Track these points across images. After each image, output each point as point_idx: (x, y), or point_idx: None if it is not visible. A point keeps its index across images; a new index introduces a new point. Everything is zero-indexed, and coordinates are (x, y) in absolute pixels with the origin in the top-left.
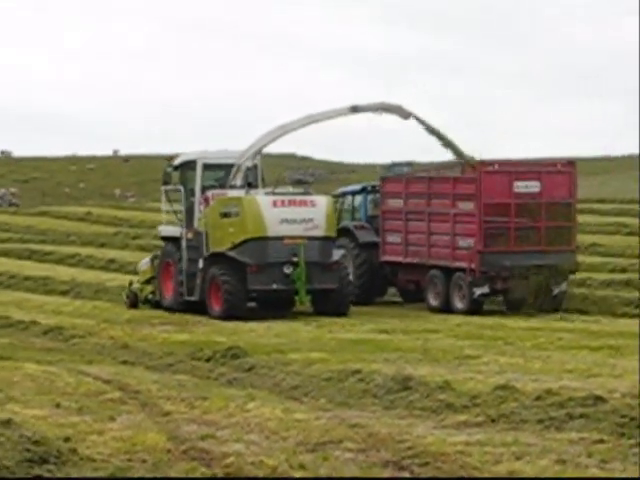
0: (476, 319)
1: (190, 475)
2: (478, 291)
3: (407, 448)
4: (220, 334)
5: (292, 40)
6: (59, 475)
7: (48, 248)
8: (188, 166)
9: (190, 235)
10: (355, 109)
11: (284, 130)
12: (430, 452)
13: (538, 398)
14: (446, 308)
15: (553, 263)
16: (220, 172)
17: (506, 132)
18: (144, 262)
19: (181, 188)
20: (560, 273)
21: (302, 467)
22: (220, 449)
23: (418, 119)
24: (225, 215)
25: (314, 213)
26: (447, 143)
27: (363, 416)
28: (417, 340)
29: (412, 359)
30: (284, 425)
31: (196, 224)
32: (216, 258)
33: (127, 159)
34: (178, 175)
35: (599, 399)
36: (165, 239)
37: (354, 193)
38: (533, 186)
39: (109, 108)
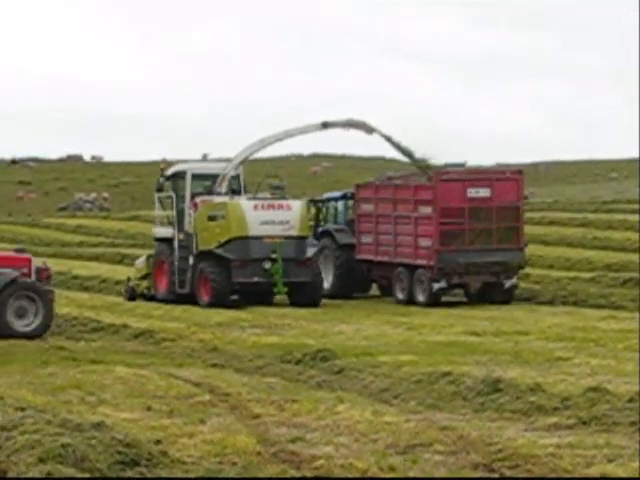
0: (568, 321)
1: (280, 477)
2: (436, 285)
3: (497, 451)
4: (309, 337)
5: (389, 40)
6: (150, 477)
7: (138, 252)
8: (179, 176)
9: (181, 236)
10: (325, 125)
11: (263, 144)
12: (521, 455)
13: (630, 400)
14: (410, 301)
15: (503, 260)
16: (207, 181)
17: (604, 130)
18: (140, 260)
19: (173, 195)
20: (510, 269)
21: (392, 469)
22: (310, 452)
23: (381, 134)
24: (212, 218)
25: (290, 216)
26: (407, 154)
27: (453, 419)
28: (508, 342)
29: (502, 361)
30: (374, 427)
31: (186, 226)
32: (204, 255)
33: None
34: (170, 184)
35: None
36: (159, 240)
37: (336, 199)
38: (484, 192)
39: (199, 112)
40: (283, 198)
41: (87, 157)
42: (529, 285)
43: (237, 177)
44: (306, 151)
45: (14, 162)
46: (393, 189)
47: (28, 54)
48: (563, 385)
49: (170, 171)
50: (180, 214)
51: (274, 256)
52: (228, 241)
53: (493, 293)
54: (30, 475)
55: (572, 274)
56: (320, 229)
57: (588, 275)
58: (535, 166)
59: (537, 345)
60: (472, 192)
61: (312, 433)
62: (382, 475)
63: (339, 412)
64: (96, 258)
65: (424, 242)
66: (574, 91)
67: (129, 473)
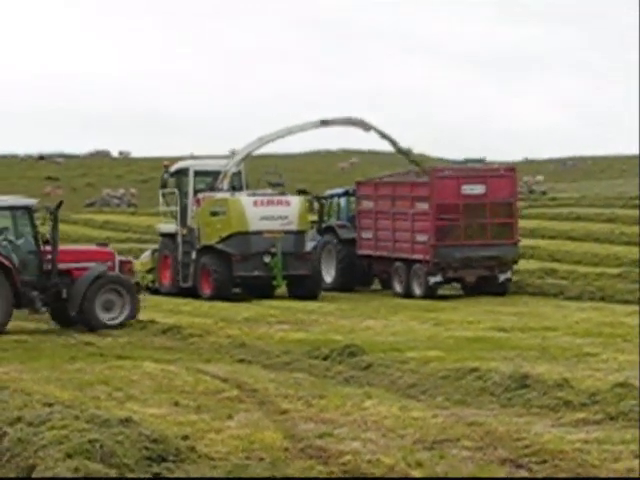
0: (596, 317)
1: (307, 473)
2: (432, 279)
3: (525, 446)
4: (337, 332)
5: (420, 39)
6: (178, 473)
7: None
8: (182, 173)
9: (184, 231)
10: (325, 122)
11: (263, 141)
12: (548, 450)
13: None
14: (408, 294)
15: (497, 255)
16: (209, 178)
17: (632, 125)
18: (145, 255)
19: (176, 191)
20: (504, 263)
21: (419, 465)
22: (337, 447)
23: (378, 131)
24: (214, 214)
25: (289, 211)
26: (403, 152)
27: (480, 414)
28: (535, 338)
29: (530, 357)
30: (401, 423)
31: (189, 222)
32: (206, 250)
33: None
34: (174, 181)
35: None
36: (163, 235)
37: (339, 196)
38: (479, 188)
39: (226, 108)
40: (282, 194)
41: (115, 153)
42: (556, 281)
43: (239, 174)
44: (334, 147)
45: (42, 158)
46: (392, 186)
47: (54, 50)
48: (591, 381)
49: (174, 168)
50: (183, 210)
51: (273, 250)
52: (229, 236)
53: (488, 286)
54: (57, 470)
55: (599, 270)
56: (324, 225)
57: (615, 271)
58: (563, 162)
59: (565, 341)
60: (467, 189)
61: (339, 429)
62: (409, 471)
63: (366, 408)
64: (123, 254)
65: (421, 237)
66: (602, 87)
67: (156, 469)
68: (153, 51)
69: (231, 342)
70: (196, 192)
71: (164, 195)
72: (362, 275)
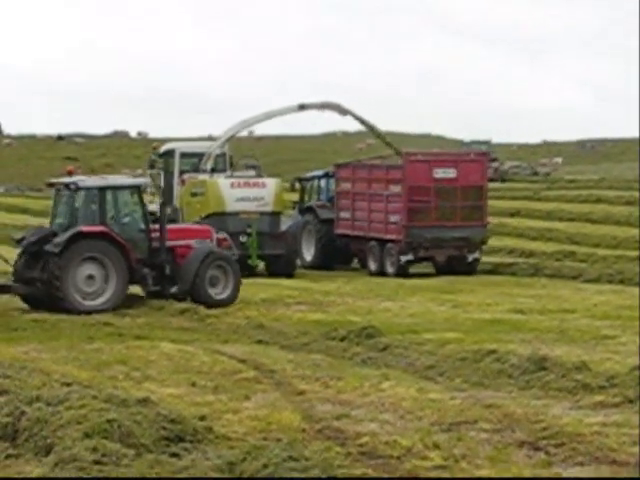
0: (614, 299)
1: (324, 455)
2: (404, 258)
3: (543, 429)
4: (355, 314)
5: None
6: (195, 453)
7: None
8: (169, 154)
9: (169, 210)
10: (302, 107)
11: (245, 124)
12: (566, 433)
13: None
14: (381, 272)
15: (467, 236)
16: (194, 159)
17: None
18: None
19: (162, 172)
20: (473, 244)
21: (436, 447)
22: (354, 428)
23: (354, 115)
24: (194, 195)
25: (264, 193)
26: (378, 135)
27: (498, 396)
28: (553, 320)
29: (548, 339)
30: (418, 405)
31: (174, 201)
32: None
33: (260, 139)
34: (162, 161)
35: None
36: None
37: (319, 177)
38: (450, 172)
39: (245, 86)
40: (259, 176)
41: (133, 133)
42: (575, 263)
43: (223, 155)
44: (352, 128)
45: (60, 138)
46: (368, 169)
47: (75, 32)
48: (609, 363)
49: (162, 149)
50: (169, 190)
51: (249, 230)
52: (207, 216)
53: (457, 266)
54: (75, 450)
55: (618, 252)
56: (305, 205)
57: (634, 253)
58: (582, 144)
59: (583, 323)
60: (439, 172)
61: (357, 410)
62: (426, 452)
63: (384, 389)
64: None
65: (393, 218)
66: (623, 68)
67: (174, 449)
68: (173, 32)
69: (248, 323)
70: (181, 173)
71: (151, 175)
72: (341, 254)
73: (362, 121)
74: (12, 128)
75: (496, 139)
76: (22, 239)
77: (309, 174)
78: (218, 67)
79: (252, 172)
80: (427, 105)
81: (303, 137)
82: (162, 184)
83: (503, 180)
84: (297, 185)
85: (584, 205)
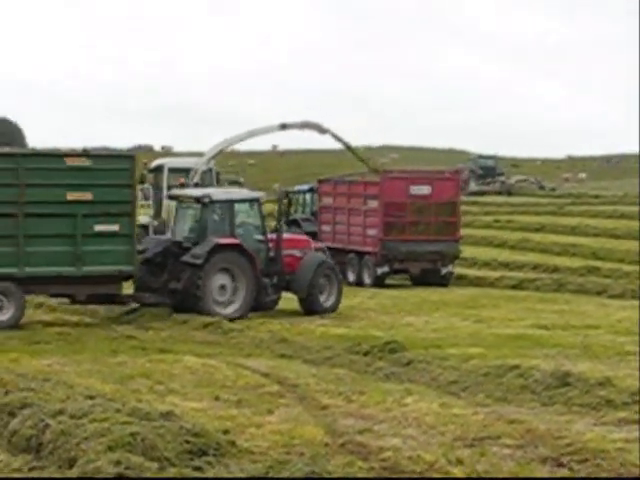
0: (637, 315)
1: (347, 469)
2: (380, 270)
3: (566, 445)
4: (378, 328)
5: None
6: (219, 467)
7: None
8: (158, 169)
9: (156, 223)
10: (284, 126)
11: (228, 143)
12: (589, 449)
13: None
14: (359, 283)
15: (440, 250)
16: (182, 174)
17: None
18: None
19: (150, 187)
20: (446, 257)
21: (459, 462)
22: (377, 443)
23: (332, 134)
24: None
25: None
26: (356, 154)
27: (521, 412)
28: (577, 336)
29: (572, 355)
30: (441, 420)
31: (163, 214)
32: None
33: (282, 154)
34: (152, 177)
35: None
36: (139, 226)
37: (304, 192)
38: (425, 189)
39: (267, 102)
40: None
41: (157, 147)
42: (599, 279)
43: (209, 171)
44: (375, 143)
45: (85, 151)
46: (347, 185)
47: (102, 45)
48: (632, 380)
49: (152, 165)
50: (158, 204)
51: None
52: None
53: (431, 278)
54: (99, 463)
55: None
56: (290, 218)
57: None
58: (607, 159)
59: (606, 339)
60: (414, 189)
61: (380, 425)
62: (449, 468)
63: (407, 404)
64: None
65: (371, 232)
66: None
67: (197, 462)
68: (202, 47)
69: (272, 337)
70: (169, 187)
71: (142, 190)
72: None
73: (339, 139)
74: (37, 142)
75: (520, 154)
76: (144, 250)
77: (296, 188)
78: (242, 83)
79: (235, 188)
80: (450, 120)
81: (326, 151)
82: (151, 199)
83: (509, 194)
84: (284, 199)
85: (608, 221)
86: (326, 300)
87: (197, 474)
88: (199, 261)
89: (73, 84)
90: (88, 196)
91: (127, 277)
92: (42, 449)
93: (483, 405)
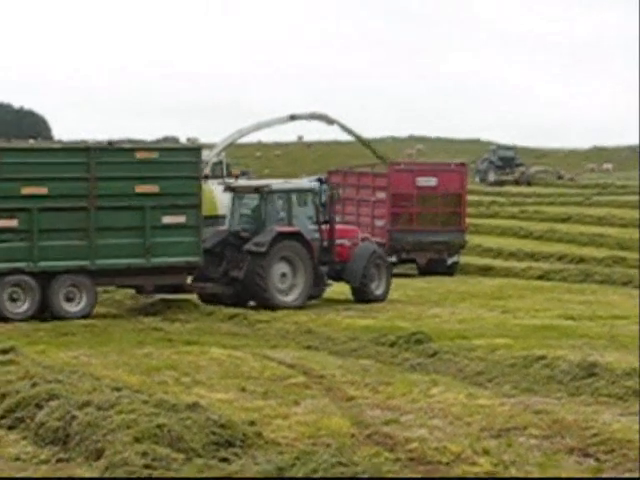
0: None
1: (373, 460)
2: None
3: (592, 435)
4: (404, 319)
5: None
6: (245, 458)
7: None
8: None
9: None
10: (293, 117)
11: (240, 134)
12: (616, 439)
13: None
14: None
15: (446, 240)
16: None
17: None
18: None
19: None
20: (452, 247)
21: (486, 453)
22: (404, 434)
23: (340, 125)
24: None
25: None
26: (365, 144)
27: (548, 402)
28: (603, 326)
29: (598, 345)
30: (468, 411)
31: None
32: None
33: (309, 145)
34: None
35: None
36: None
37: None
38: (431, 181)
39: (294, 94)
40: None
41: (183, 139)
42: (625, 269)
43: (220, 163)
44: (402, 134)
45: (110, 144)
46: (357, 176)
47: (132, 42)
48: None
49: None
50: None
51: None
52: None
53: (437, 268)
54: (126, 454)
55: None
56: None
57: None
58: (633, 149)
59: (633, 329)
60: (421, 181)
61: (406, 416)
62: (476, 458)
63: (433, 395)
64: None
65: (379, 222)
66: None
67: (224, 454)
68: (231, 41)
69: (298, 328)
70: None
71: None
72: None
73: (348, 130)
74: (63, 135)
75: (547, 144)
76: (202, 241)
77: (304, 179)
78: (264, 77)
79: (245, 178)
80: (479, 111)
81: (352, 143)
82: None
83: (529, 184)
84: None
85: (635, 211)
86: (376, 289)
87: (223, 465)
88: (262, 249)
89: (93, 77)
90: (155, 189)
91: (193, 268)
92: (69, 441)
93: (509, 396)
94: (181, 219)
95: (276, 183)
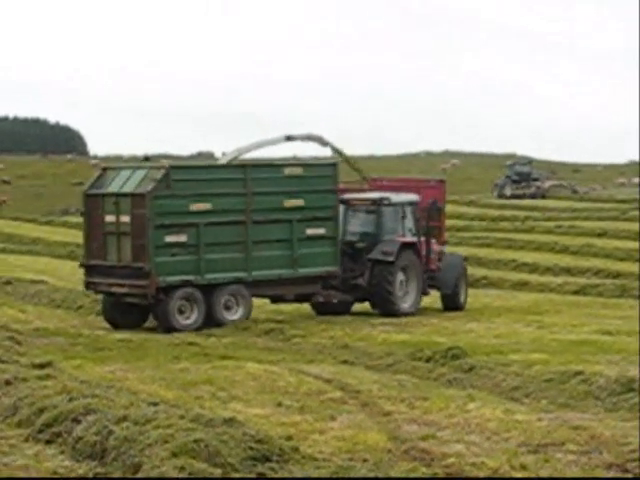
0: None
1: (411, 475)
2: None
3: (630, 451)
4: (440, 334)
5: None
6: (282, 473)
7: None
8: None
9: None
10: (289, 138)
11: (240, 152)
12: None
13: None
14: None
15: None
16: None
17: None
18: None
19: None
20: None
21: (523, 468)
22: (440, 449)
23: (332, 147)
24: None
25: None
26: (353, 166)
27: (585, 418)
28: None
29: (636, 361)
30: (505, 426)
31: None
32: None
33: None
34: None
35: None
36: None
37: None
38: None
39: (325, 105)
40: None
41: (218, 153)
42: None
43: None
44: (437, 148)
45: (147, 159)
46: (339, 192)
47: (168, 55)
48: None
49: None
50: None
51: None
52: None
53: None
54: (163, 469)
55: None
56: None
57: None
58: None
59: None
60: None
61: (443, 431)
62: (513, 474)
63: (470, 410)
64: None
65: None
66: None
67: (260, 469)
68: (263, 54)
69: (334, 343)
70: None
71: None
72: None
73: (339, 152)
74: (99, 149)
75: (581, 159)
76: None
77: None
78: (290, 90)
79: None
80: (513, 126)
81: (387, 157)
82: None
83: (543, 197)
84: None
85: None
86: (461, 297)
87: None
88: (391, 258)
89: (127, 92)
90: (301, 202)
91: (332, 277)
92: (106, 455)
93: (547, 411)
94: (321, 230)
95: (394, 196)
